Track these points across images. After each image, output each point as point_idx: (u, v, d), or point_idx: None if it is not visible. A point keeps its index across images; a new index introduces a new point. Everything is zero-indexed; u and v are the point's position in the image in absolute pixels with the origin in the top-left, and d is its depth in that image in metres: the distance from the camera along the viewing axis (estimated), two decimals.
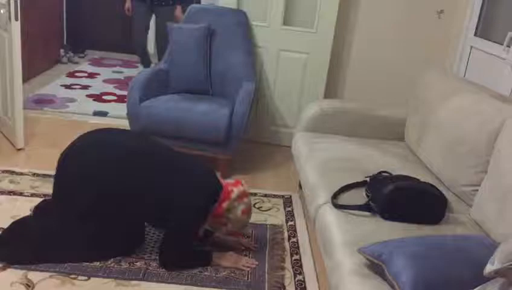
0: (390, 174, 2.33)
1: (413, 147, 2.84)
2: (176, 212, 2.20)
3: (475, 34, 3.43)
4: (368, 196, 2.18)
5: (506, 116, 2.12)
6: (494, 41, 3.15)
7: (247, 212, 2.34)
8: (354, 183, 2.31)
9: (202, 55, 3.54)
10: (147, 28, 5.08)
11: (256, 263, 2.40)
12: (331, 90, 3.92)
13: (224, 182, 2.37)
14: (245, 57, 3.63)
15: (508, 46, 2.86)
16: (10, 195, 2.78)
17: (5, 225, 2.37)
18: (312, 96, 3.76)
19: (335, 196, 2.21)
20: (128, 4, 4.99)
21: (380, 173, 2.35)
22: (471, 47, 3.44)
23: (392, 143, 2.97)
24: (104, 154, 2.25)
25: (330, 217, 2.08)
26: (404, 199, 2.07)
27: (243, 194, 2.33)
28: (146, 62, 5.20)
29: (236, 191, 2.31)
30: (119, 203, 2.21)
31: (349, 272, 1.72)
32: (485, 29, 3.40)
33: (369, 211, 2.09)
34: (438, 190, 2.13)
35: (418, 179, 2.22)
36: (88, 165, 2.23)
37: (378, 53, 3.82)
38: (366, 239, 1.83)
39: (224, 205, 2.28)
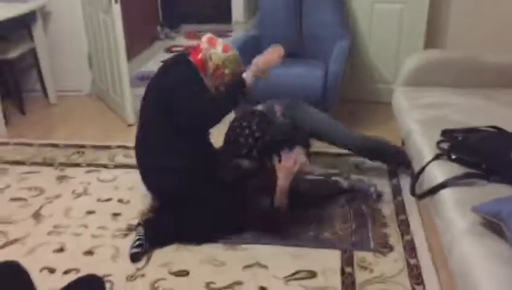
0: (500, 130, 2.12)
1: None
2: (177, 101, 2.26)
3: None
4: (477, 157, 1.96)
5: None
6: None
7: (228, 47, 2.34)
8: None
9: (292, 17, 3.49)
10: None
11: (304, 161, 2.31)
12: (430, 42, 3.68)
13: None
14: (336, 14, 3.51)
15: None
16: (125, 169, 3.00)
17: (124, 196, 2.63)
18: (410, 49, 3.55)
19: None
20: None
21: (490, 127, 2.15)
22: None
23: (504, 92, 2.73)
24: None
25: (439, 175, 1.98)
26: None
27: (211, 39, 2.34)
28: None
29: (203, 42, 2.33)
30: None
31: (463, 231, 1.64)
32: None
33: (483, 172, 1.90)
34: None
35: None
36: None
37: None
38: (480, 199, 1.69)
39: (200, 56, 2.31)
